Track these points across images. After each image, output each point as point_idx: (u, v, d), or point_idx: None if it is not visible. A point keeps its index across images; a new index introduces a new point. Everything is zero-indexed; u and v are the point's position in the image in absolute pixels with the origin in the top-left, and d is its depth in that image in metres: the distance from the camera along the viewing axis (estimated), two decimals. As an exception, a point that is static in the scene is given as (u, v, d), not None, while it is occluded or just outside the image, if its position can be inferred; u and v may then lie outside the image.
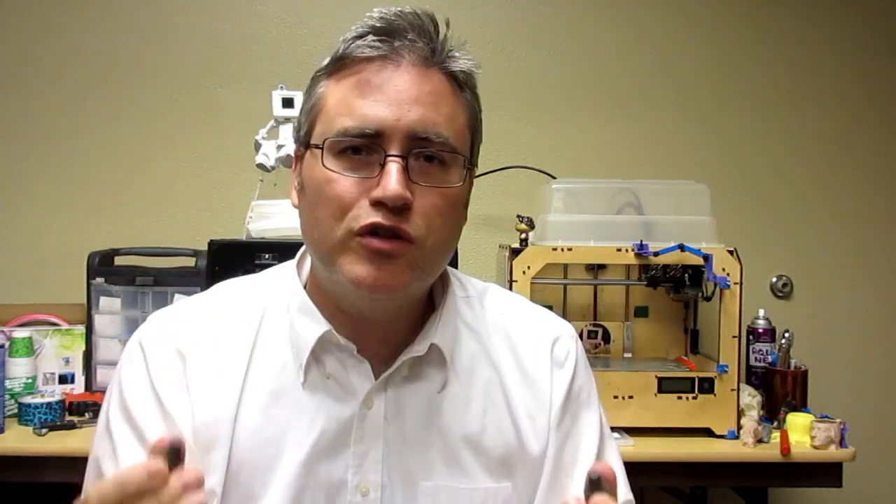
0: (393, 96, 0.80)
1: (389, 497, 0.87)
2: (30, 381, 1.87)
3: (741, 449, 1.73)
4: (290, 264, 0.94)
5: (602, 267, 2.01)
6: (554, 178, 2.03)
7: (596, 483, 0.72)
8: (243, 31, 2.31)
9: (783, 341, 1.95)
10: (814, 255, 2.36)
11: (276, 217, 1.86)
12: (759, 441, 1.74)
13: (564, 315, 1.80)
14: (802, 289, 2.36)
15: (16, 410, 1.80)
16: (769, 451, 1.72)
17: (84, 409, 1.83)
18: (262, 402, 0.86)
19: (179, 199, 2.29)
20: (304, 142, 0.86)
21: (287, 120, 1.94)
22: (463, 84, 0.86)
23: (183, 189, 2.29)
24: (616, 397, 1.76)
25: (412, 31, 0.82)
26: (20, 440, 1.71)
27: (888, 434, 2.35)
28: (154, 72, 2.29)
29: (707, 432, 1.78)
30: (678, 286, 1.91)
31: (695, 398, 1.77)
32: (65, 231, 2.27)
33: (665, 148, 2.35)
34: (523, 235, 1.85)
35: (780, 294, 2.36)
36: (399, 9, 0.83)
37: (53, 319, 2.06)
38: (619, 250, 1.78)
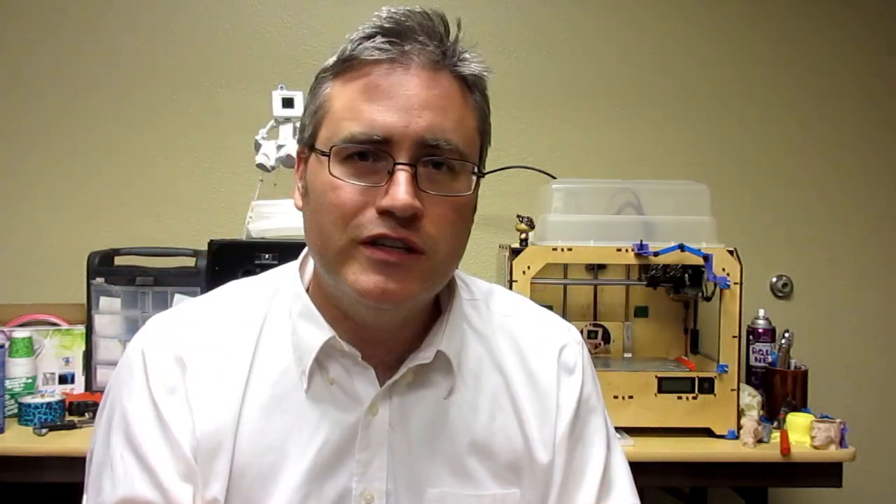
0: (402, 102, 0.78)
1: None
2: (30, 381, 1.87)
3: (741, 449, 1.73)
4: (293, 266, 0.92)
5: (602, 267, 2.01)
6: (554, 178, 2.03)
7: None
8: (243, 31, 2.31)
9: (783, 341, 1.95)
10: (814, 255, 2.36)
11: (276, 217, 1.86)
12: (759, 441, 1.74)
13: (564, 315, 1.80)
14: (802, 289, 2.36)
15: (16, 410, 1.80)
16: (769, 451, 1.72)
17: (84, 409, 1.83)
18: (263, 409, 0.85)
19: (179, 199, 2.29)
20: (309, 144, 0.83)
21: (287, 120, 1.93)
22: (472, 86, 0.83)
23: (183, 189, 2.29)
24: (616, 397, 1.76)
25: (422, 33, 0.80)
26: (20, 440, 1.71)
27: (888, 434, 2.35)
28: (154, 72, 2.29)
29: (707, 432, 1.78)
30: (678, 286, 1.91)
31: (695, 398, 1.77)
32: (65, 231, 2.26)
33: (665, 148, 2.35)
34: (523, 235, 1.85)
35: (780, 294, 2.36)
36: (408, 8, 0.80)
37: (53, 319, 2.06)
38: (619, 250, 1.78)
